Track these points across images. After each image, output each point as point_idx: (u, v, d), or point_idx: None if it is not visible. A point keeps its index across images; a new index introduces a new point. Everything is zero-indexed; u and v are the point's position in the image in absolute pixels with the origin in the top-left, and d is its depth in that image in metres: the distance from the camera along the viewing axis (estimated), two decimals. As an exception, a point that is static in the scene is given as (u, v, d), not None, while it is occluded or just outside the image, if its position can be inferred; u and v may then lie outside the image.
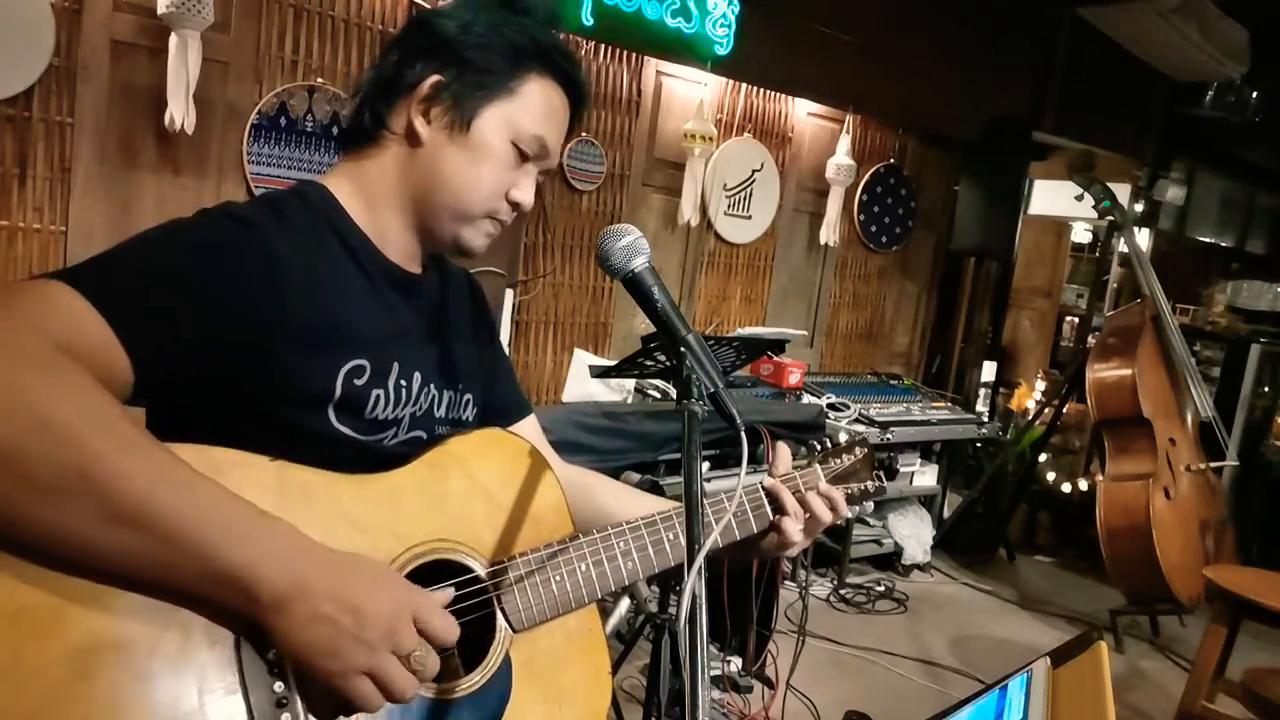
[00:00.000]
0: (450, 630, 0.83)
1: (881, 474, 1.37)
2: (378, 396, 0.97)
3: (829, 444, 1.33)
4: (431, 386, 1.05)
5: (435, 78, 0.99)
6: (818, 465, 1.29)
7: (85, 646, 0.71)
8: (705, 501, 1.14)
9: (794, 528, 1.20)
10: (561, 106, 1.06)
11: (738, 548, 1.21)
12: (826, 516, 1.23)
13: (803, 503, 1.21)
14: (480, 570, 0.96)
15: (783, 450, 1.26)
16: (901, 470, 4.20)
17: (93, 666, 0.71)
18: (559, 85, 1.05)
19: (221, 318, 0.85)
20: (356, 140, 1.04)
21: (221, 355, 0.86)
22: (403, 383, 1.00)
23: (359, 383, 0.95)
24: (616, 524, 1.07)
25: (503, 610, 0.97)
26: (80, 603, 0.72)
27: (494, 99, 1.01)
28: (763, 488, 1.21)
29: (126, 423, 0.73)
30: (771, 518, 1.20)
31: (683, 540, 1.12)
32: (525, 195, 1.05)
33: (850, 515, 1.29)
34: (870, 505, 1.35)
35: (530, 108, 1.02)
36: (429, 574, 0.92)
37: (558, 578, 1.01)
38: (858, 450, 1.34)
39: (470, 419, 1.14)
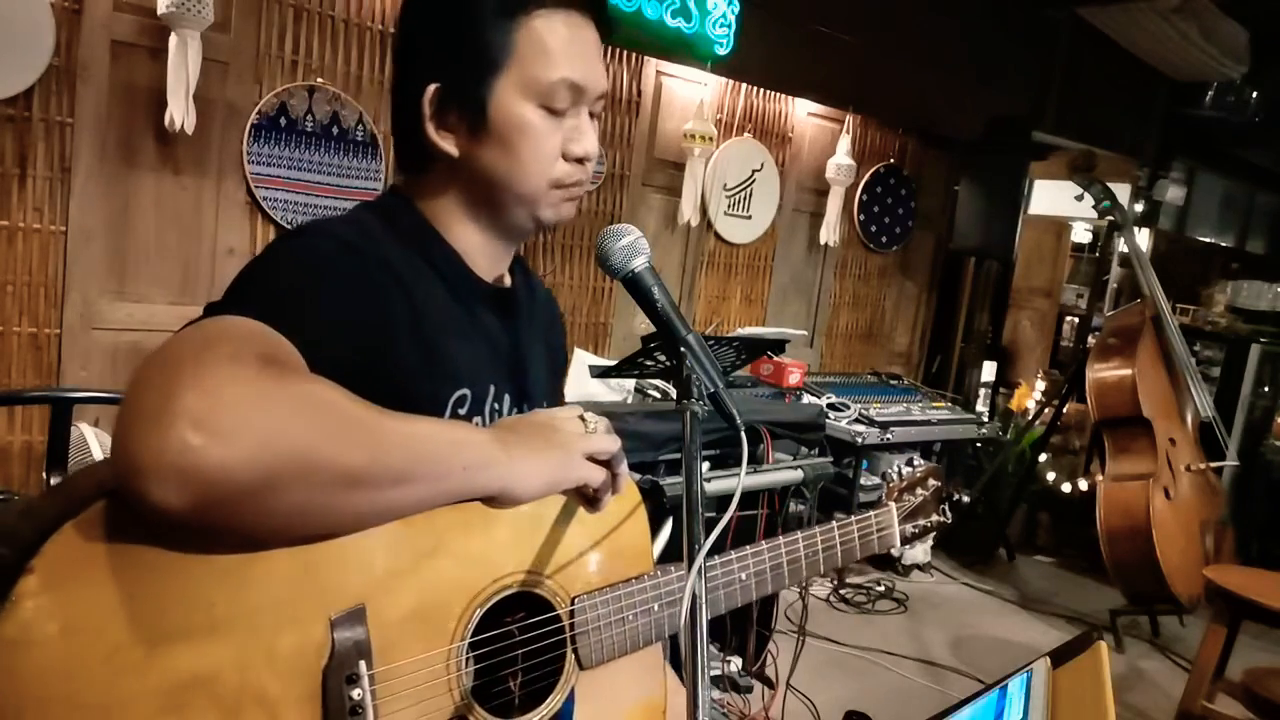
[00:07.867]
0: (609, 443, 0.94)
1: (946, 509, 1.34)
2: (477, 424, 0.95)
3: (900, 475, 1.30)
4: (523, 405, 1.03)
5: (431, 87, 0.92)
6: (892, 505, 1.27)
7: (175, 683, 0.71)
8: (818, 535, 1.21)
9: None
10: (578, 26, 0.94)
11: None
12: None
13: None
14: (559, 606, 0.95)
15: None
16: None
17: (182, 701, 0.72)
18: (562, 6, 0.92)
19: (341, 338, 0.82)
20: (409, 168, 1.00)
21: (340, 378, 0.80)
22: (496, 405, 0.98)
23: (462, 413, 0.94)
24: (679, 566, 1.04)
25: (575, 650, 0.96)
26: (172, 640, 0.71)
27: (496, 72, 0.91)
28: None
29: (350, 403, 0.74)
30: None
31: (754, 581, 1.14)
32: (584, 144, 0.96)
33: (895, 554, 1.29)
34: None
35: (539, 56, 0.91)
36: (511, 607, 0.91)
37: (630, 617, 1.00)
38: (930, 483, 1.32)
39: None
